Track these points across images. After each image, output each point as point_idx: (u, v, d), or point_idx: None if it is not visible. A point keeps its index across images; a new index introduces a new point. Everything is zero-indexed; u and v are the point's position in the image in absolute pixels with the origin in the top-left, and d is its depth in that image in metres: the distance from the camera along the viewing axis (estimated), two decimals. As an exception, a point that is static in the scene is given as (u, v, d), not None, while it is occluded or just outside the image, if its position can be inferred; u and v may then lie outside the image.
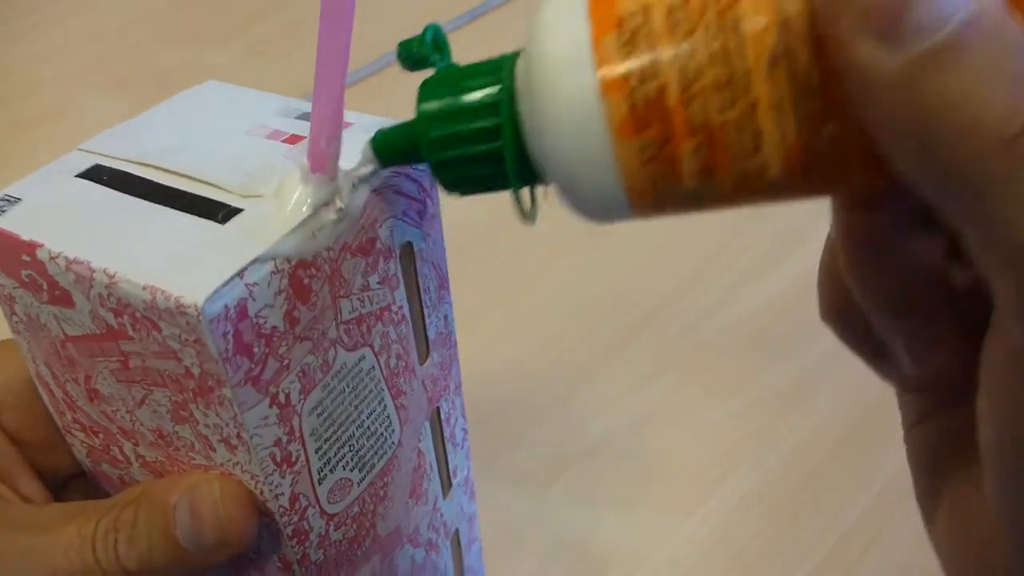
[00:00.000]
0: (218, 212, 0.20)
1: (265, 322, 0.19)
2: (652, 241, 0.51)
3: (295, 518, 0.22)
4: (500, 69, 0.18)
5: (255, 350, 0.19)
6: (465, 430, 0.30)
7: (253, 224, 0.20)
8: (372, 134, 0.20)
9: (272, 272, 0.19)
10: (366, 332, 0.23)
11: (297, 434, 0.21)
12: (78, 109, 0.50)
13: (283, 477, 0.21)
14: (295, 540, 0.22)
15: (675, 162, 0.15)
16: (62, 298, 0.20)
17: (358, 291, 0.22)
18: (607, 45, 0.15)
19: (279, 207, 0.20)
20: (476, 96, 0.18)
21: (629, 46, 0.15)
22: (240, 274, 0.18)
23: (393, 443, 0.25)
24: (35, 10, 0.54)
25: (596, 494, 0.42)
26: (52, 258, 0.20)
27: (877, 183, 0.15)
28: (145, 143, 0.23)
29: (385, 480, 0.25)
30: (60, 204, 0.21)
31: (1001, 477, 0.14)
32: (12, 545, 0.21)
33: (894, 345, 0.18)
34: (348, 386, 0.23)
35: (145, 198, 0.21)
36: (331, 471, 0.23)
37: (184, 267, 0.19)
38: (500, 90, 0.17)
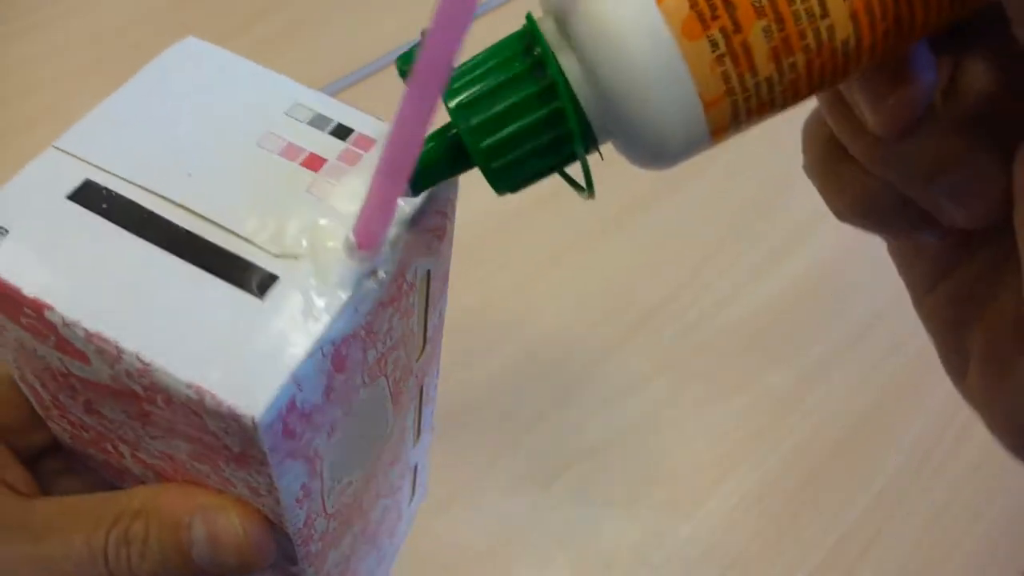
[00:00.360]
0: (252, 279, 0.18)
1: (308, 404, 0.18)
2: (652, 241, 0.51)
3: (306, 531, 0.22)
4: (526, 40, 0.16)
5: (298, 431, 0.18)
6: (436, 385, 0.30)
7: (296, 302, 0.18)
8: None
9: (319, 359, 0.18)
10: (384, 365, 0.22)
11: (318, 472, 0.21)
12: (78, 109, 0.50)
13: (301, 509, 0.21)
14: (302, 545, 0.22)
15: (747, 51, 0.15)
16: (76, 354, 0.18)
17: (383, 335, 0.21)
18: None
19: (320, 278, 0.19)
20: (519, 82, 0.16)
21: None
22: (293, 375, 0.17)
23: (387, 434, 0.25)
24: (35, 10, 0.54)
25: (596, 494, 0.42)
26: (67, 324, 0.18)
27: (937, 19, 0.15)
28: (139, 148, 0.20)
29: (375, 465, 0.26)
30: (58, 242, 0.19)
31: None
32: (17, 552, 0.21)
33: (938, 207, 0.18)
34: (363, 415, 0.22)
35: (160, 245, 0.19)
36: (337, 483, 0.23)
37: (232, 363, 0.17)
38: (545, 64, 0.16)
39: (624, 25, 0.14)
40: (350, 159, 0.21)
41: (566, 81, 0.16)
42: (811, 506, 0.43)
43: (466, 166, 0.18)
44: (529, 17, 0.16)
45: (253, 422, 0.17)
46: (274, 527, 0.21)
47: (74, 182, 0.19)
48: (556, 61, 0.16)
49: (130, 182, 0.20)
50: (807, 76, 0.15)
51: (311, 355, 0.18)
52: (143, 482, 0.23)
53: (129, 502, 0.21)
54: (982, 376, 0.18)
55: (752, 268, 0.51)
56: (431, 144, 0.18)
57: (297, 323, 0.18)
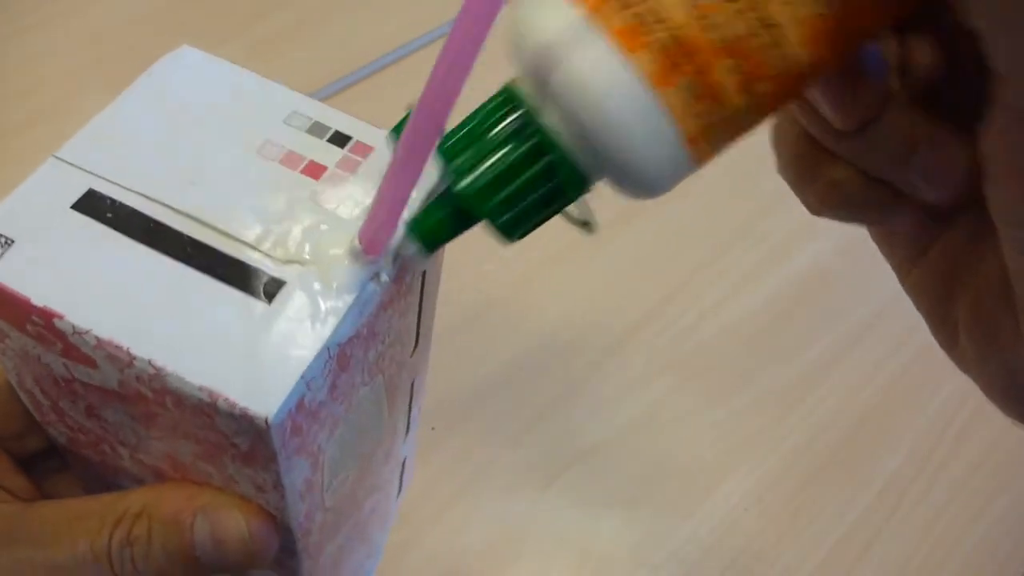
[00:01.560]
0: (259, 284, 0.19)
1: (314, 403, 0.19)
2: (652, 241, 0.51)
3: (306, 524, 0.22)
4: (508, 103, 0.17)
5: (304, 428, 0.19)
6: (423, 382, 0.31)
7: (303, 307, 0.19)
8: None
9: (326, 360, 0.18)
10: (382, 363, 0.23)
11: (320, 466, 0.21)
12: (78, 109, 0.50)
13: (303, 503, 0.21)
14: (302, 538, 0.22)
15: (718, 88, 0.15)
16: (83, 359, 0.18)
17: (383, 335, 0.22)
18: (606, 13, 0.15)
19: (326, 282, 0.19)
20: (511, 143, 0.17)
21: (626, 3, 0.15)
22: (302, 376, 0.18)
23: (382, 430, 0.26)
24: (35, 10, 0.54)
25: (596, 494, 0.42)
26: (77, 332, 0.18)
27: (884, 23, 0.16)
28: (139, 158, 0.20)
29: (370, 460, 0.26)
30: (64, 252, 0.19)
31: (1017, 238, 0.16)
32: (22, 558, 0.21)
33: (912, 185, 0.18)
34: (362, 411, 0.23)
35: (167, 253, 0.19)
36: (335, 477, 0.23)
37: (243, 366, 0.18)
38: (530, 124, 0.17)
39: (602, 88, 0.15)
40: (349, 166, 0.21)
41: (555, 138, 0.17)
42: (811, 506, 0.43)
43: (474, 222, 0.18)
44: (509, 86, 0.17)
45: (266, 422, 0.17)
46: (276, 522, 0.21)
47: (77, 192, 0.20)
48: (543, 121, 0.17)
49: (133, 191, 0.20)
50: (774, 98, 0.16)
51: (319, 356, 0.18)
52: (141, 481, 0.23)
53: (130, 503, 0.21)
54: (972, 342, 0.18)
55: (752, 268, 0.51)
56: (439, 213, 0.18)
57: (304, 326, 0.18)
